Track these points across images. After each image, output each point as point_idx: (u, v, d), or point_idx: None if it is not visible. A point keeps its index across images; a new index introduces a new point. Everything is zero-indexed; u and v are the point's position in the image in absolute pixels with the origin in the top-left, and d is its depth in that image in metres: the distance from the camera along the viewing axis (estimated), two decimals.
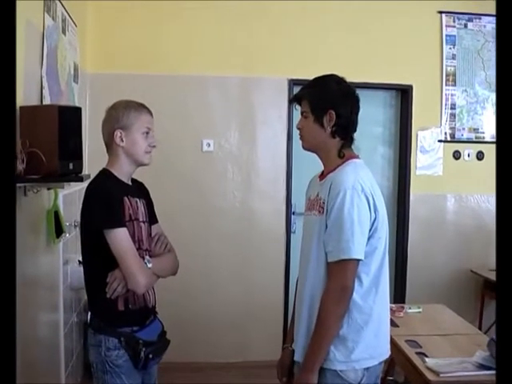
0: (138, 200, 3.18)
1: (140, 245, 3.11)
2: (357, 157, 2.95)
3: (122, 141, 3.09)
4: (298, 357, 2.92)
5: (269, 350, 5.98)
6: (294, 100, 3.07)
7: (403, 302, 5.91)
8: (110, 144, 3.14)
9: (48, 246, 4.11)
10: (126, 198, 3.07)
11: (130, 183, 3.21)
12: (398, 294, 6.52)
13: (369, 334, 2.80)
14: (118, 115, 3.10)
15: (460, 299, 6.39)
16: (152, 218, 3.33)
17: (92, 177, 3.16)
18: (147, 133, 3.14)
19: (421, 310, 4.79)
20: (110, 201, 2.98)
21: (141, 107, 3.16)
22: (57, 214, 4.07)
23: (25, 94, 3.41)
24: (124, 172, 3.15)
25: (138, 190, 3.29)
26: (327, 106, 2.87)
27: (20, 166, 3.06)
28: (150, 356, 3.06)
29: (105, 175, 3.13)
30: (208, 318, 6.21)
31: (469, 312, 6.04)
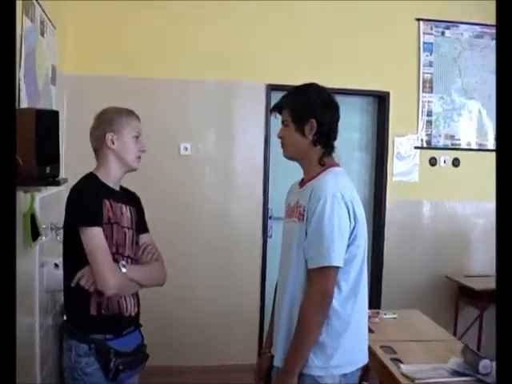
0: (123, 205, 3.18)
1: (118, 249, 3.09)
2: (337, 165, 2.98)
3: (113, 143, 3.11)
4: (277, 362, 2.93)
5: (246, 353, 6.00)
6: (274, 109, 3.09)
7: (379, 308, 5.93)
8: (99, 148, 3.15)
9: (24, 249, 4.07)
10: (106, 201, 3.06)
11: (116, 188, 3.21)
12: (374, 300, 6.52)
13: (347, 340, 2.83)
14: (110, 119, 3.14)
15: (435, 305, 6.43)
16: (141, 227, 3.32)
17: (71, 181, 3.17)
18: (137, 137, 3.20)
19: (396, 315, 4.81)
20: (87, 200, 2.99)
21: (130, 113, 3.22)
22: (33, 217, 4.05)
23: None
24: (111, 176, 3.16)
25: (126, 197, 3.29)
26: (308, 114, 2.90)
27: None
28: (121, 367, 3.00)
29: (88, 178, 3.13)
30: (185, 321, 6.19)
31: (444, 318, 6.07)
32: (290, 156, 3.04)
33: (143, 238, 3.31)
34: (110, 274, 2.92)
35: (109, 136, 3.10)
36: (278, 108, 3.06)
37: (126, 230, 3.16)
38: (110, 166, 3.14)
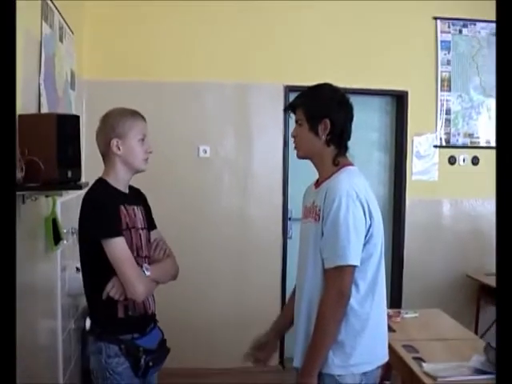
0: (135, 207, 3.19)
1: (138, 252, 3.12)
2: (351, 164, 2.98)
3: (119, 149, 3.09)
4: (297, 363, 2.95)
5: None
6: (288, 108, 3.11)
7: (399, 307, 5.93)
8: (106, 153, 3.15)
9: (46, 253, 4.12)
10: (122, 207, 3.08)
11: (126, 191, 3.22)
12: (395, 299, 6.53)
13: (366, 339, 2.83)
14: (113, 124, 3.10)
15: (456, 304, 6.40)
16: (150, 224, 3.35)
17: (89, 185, 3.19)
18: (143, 139, 3.15)
19: (417, 314, 4.81)
20: (106, 211, 3.00)
21: (135, 114, 3.17)
22: (55, 222, 4.08)
23: (23, 102, 3.42)
24: (120, 180, 3.16)
25: (135, 197, 3.30)
26: (322, 114, 2.91)
27: (19, 174, 3.07)
28: (150, 364, 3.08)
29: (100, 185, 3.14)
30: (205, 324, 6.22)
31: (465, 316, 6.05)
32: (303, 156, 3.05)
33: (153, 235, 3.34)
34: (138, 282, 2.97)
35: (114, 142, 3.08)
36: (292, 107, 3.07)
37: (141, 231, 3.19)
38: (119, 171, 3.14)
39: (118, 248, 2.94)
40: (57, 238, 4.12)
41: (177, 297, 5.69)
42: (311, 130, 2.93)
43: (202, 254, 6.21)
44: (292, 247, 6.22)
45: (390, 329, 4.19)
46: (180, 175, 6.18)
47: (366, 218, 2.79)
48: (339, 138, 2.94)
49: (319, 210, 2.85)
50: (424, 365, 3.62)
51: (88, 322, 3.23)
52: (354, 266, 2.76)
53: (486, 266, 6.44)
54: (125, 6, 6.01)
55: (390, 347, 3.17)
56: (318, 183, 3.03)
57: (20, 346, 2.71)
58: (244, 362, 3.42)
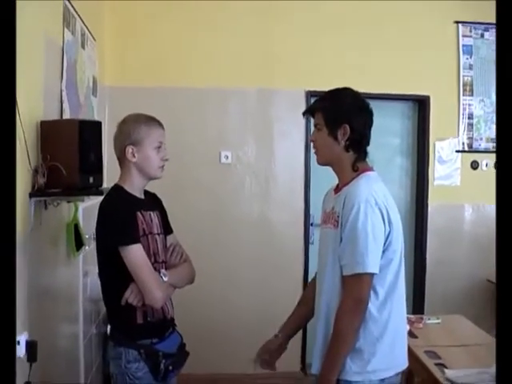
0: (151, 213, 3.21)
1: (156, 258, 3.14)
2: (371, 169, 2.96)
3: (134, 156, 3.10)
4: (315, 369, 2.93)
5: (287, 361, 5.97)
6: (307, 112, 3.09)
7: (422, 313, 5.89)
8: (122, 159, 3.16)
9: (68, 259, 4.14)
10: (138, 213, 3.10)
11: (142, 197, 3.23)
12: (417, 305, 6.51)
13: (384, 345, 2.81)
14: (129, 131, 3.10)
15: (477, 308, 6.32)
16: (167, 229, 3.35)
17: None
18: (159, 147, 3.14)
19: (440, 320, 4.77)
20: (123, 218, 3.02)
21: (151, 121, 3.17)
22: (76, 227, 4.10)
23: (45, 108, 3.44)
24: (136, 186, 3.18)
25: (151, 202, 3.31)
26: (342, 119, 2.88)
27: (41, 180, 3.09)
28: (170, 368, 3.09)
29: (116, 191, 3.16)
30: (225, 329, 6.22)
31: (486, 321, 5.96)
32: (322, 162, 3.02)
33: (169, 239, 3.35)
34: (156, 289, 2.99)
35: (129, 149, 3.08)
36: (311, 111, 3.05)
37: (157, 237, 3.20)
38: (134, 177, 3.15)
39: (135, 255, 2.96)
40: (79, 243, 4.13)
41: (198, 302, 5.71)
42: (330, 134, 2.90)
43: (223, 259, 6.22)
44: (314, 253, 6.14)
45: (413, 335, 4.19)
46: (201, 180, 6.18)
47: (384, 225, 2.76)
48: (358, 144, 2.91)
49: (338, 217, 2.83)
50: (446, 371, 3.59)
51: (109, 327, 3.25)
52: (373, 274, 2.74)
53: None
54: (146, 13, 6.06)
55: (412, 353, 3.15)
56: (337, 188, 3.01)
57: (42, 350, 2.74)
58: (263, 369, 3.40)
